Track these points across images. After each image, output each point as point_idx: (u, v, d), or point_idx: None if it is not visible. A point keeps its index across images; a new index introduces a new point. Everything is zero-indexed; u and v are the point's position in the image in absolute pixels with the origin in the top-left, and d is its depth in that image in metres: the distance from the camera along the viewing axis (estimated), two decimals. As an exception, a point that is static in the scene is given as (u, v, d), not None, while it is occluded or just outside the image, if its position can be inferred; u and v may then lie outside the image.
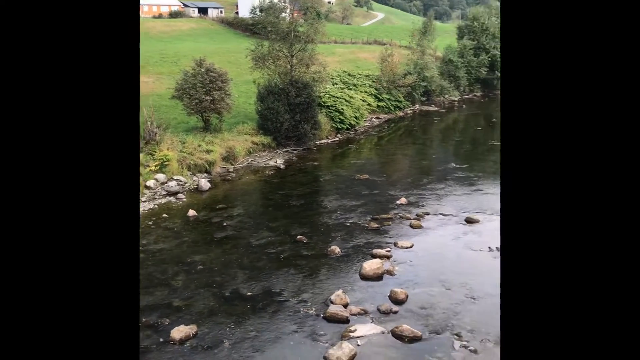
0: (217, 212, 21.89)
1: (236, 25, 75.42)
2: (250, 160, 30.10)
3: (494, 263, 16.87)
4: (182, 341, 12.34)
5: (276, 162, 29.84)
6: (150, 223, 20.48)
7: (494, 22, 56.38)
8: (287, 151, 31.97)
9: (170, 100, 31.03)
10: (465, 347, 12.26)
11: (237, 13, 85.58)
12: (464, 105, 50.53)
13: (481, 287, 15.10)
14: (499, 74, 55.10)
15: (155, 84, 38.19)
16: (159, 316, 13.48)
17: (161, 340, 12.42)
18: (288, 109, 31.84)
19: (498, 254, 17.44)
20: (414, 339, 12.55)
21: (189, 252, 17.85)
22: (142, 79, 39.68)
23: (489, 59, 54.92)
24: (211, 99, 29.02)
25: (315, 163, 30.19)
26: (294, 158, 30.88)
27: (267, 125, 31.74)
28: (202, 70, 29.29)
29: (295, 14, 34.88)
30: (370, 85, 45.13)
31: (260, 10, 35.45)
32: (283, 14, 33.66)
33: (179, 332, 12.53)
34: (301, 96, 32.09)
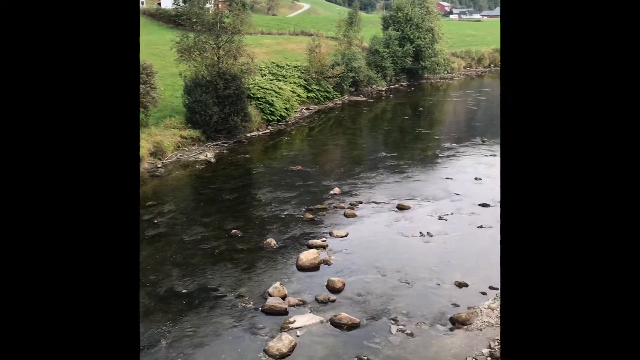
0: (147, 209, 21.25)
1: (159, 16, 73.14)
2: (179, 154, 29.42)
3: (426, 247, 17.41)
4: (116, 344, 11.94)
5: (206, 155, 29.32)
6: (76, 223, 19.61)
7: (417, 13, 57.75)
8: (217, 144, 31.48)
9: (92, 94, 29.74)
10: (402, 330, 12.59)
11: (159, 4, 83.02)
12: (391, 95, 51.58)
13: (415, 272, 15.54)
14: (424, 64, 56.89)
15: (74, 78, 36.45)
16: (90, 320, 12.97)
17: (94, 344, 11.97)
18: (217, 102, 31.32)
19: (429, 238, 18.01)
20: (353, 326, 12.75)
21: (119, 251, 17.24)
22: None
23: (414, 48, 56.25)
24: (136, 92, 28.06)
25: (247, 156, 29.92)
26: (225, 151, 30.46)
27: (196, 118, 31.10)
28: (126, 63, 28.25)
29: (220, 5, 34.32)
30: (299, 77, 45.14)
31: (184, 1, 34.60)
32: (207, 5, 33.02)
33: (112, 334, 12.11)
34: (230, 88, 31.64)
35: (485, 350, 11.79)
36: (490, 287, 14.58)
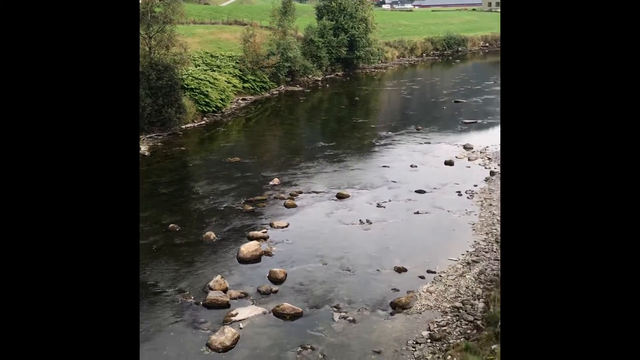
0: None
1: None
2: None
3: (366, 235, 17.69)
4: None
5: (140, 149, 28.49)
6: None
7: (351, 2, 58.11)
8: (151, 137, 30.64)
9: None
10: (344, 317, 12.77)
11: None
12: (327, 85, 51.83)
13: (355, 259, 15.77)
14: (358, 53, 57.41)
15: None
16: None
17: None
18: (149, 93, 30.45)
19: (368, 225, 18.31)
20: (295, 316, 12.81)
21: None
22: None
23: (348, 38, 56.64)
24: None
25: (183, 148, 29.31)
26: (159, 144, 29.71)
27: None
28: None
29: (151, -7, 33.21)
30: (234, 67, 44.53)
31: (112, -11, 33.27)
32: (137, -7, 31.87)
33: (46, 337, 11.63)
34: (162, 79, 30.83)
35: (425, 333, 12.14)
36: (429, 271, 15.00)
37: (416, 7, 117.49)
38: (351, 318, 12.75)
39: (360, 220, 18.70)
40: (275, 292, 13.97)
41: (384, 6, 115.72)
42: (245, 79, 44.33)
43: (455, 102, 41.17)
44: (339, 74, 57.77)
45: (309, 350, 11.54)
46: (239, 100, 42.00)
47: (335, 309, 13.16)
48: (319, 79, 53.80)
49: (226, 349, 11.49)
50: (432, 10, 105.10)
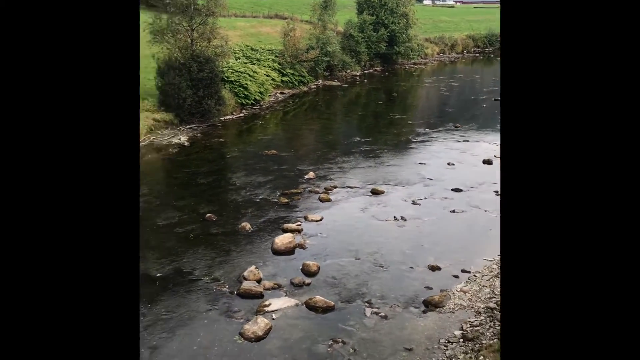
0: (120, 193, 21.01)
1: (130, -4, 71.59)
2: (152, 138, 29.03)
3: (400, 231, 17.63)
4: (90, 328, 11.86)
5: (180, 139, 29.01)
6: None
7: (392, -2, 57.69)
8: (190, 128, 31.14)
9: (62, 76, 29.10)
10: (376, 313, 12.79)
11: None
12: (365, 80, 51.63)
13: (389, 256, 15.75)
14: (398, 49, 56.98)
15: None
16: (63, 304, 12.84)
17: (67, 329, 11.87)
18: (190, 85, 30.93)
19: (403, 222, 18.23)
20: (327, 309, 12.90)
21: (91, 236, 17.04)
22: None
23: (388, 34, 56.26)
24: (107, 74, 27.55)
25: (221, 139, 29.69)
26: (199, 135, 30.17)
27: (169, 101, 30.69)
28: (96, 43, 27.68)
29: (194, -14, 33.67)
30: (273, 60, 44.81)
31: (157, -18, 33.85)
32: (181, -14, 32.38)
33: (86, 319, 12.02)
34: (204, 71, 31.25)
35: (458, 332, 12.06)
36: (463, 271, 14.88)
37: (458, 4, 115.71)
38: (383, 314, 12.76)
39: (394, 217, 18.64)
40: (308, 284, 14.08)
41: (425, 2, 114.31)
42: (284, 72, 44.56)
43: (495, 100, 40.47)
44: (378, 69, 57.47)
45: (340, 344, 11.62)
46: (277, 94, 42.27)
47: (367, 304, 13.19)
48: (357, 74, 53.65)
49: (258, 338, 11.66)
50: (475, 7, 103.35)
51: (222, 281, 14.21)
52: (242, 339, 11.69)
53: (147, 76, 34.37)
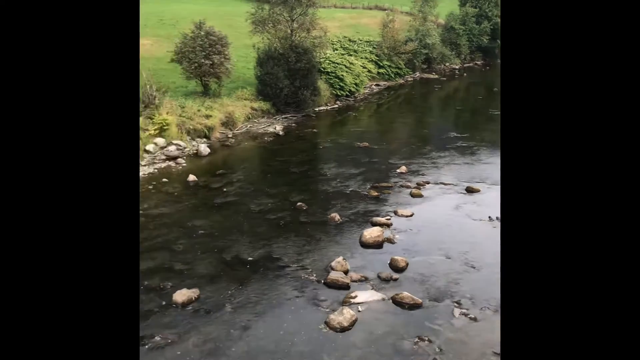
0: (217, 177, 21.83)
1: (234, -13, 73.91)
2: (249, 126, 29.89)
3: (494, 232, 16.95)
4: (184, 304, 12.42)
5: (275, 128, 29.63)
6: (150, 187, 20.42)
7: (497, -11, 55.46)
8: (286, 117, 31.73)
9: (169, 63, 30.60)
10: (465, 314, 12.40)
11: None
12: (465, 74, 50.10)
13: (481, 256, 15.20)
14: (500, 43, 54.62)
15: (153, 46, 37.60)
16: (161, 279, 13.54)
17: (163, 303, 12.51)
18: (288, 75, 31.47)
19: (498, 223, 17.51)
20: (414, 306, 12.67)
21: (189, 216, 17.85)
22: (141, 41, 39.09)
23: (491, 27, 54.18)
24: (210, 63, 28.63)
25: (315, 130, 30.01)
26: (293, 125, 30.68)
27: (267, 90, 31.42)
28: (202, 33, 28.82)
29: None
30: (370, 52, 44.59)
31: (260, -27, 34.69)
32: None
33: (181, 295, 12.61)
34: (301, 62, 31.68)
35: (552, 342, 11.42)
36: (560, 278, 14.05)
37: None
38: (472, 316, 12.34)
39: (489, 217, 17.96)
40: (396, 280, 13.91)
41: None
42: (381, 64, 44.21)
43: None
44: (478, 63, 55.58)
45: (426, 342, 11.37)
46: (372, 86, 42.04)
47: (456, 304, 12.82)
48: (457, 67, 52.19)
49: (343, 329, 11.68)
50: None
51: (310, 269, 14.36)
52: (328, 328, 11.76)
53: (247, 65, 35.43)
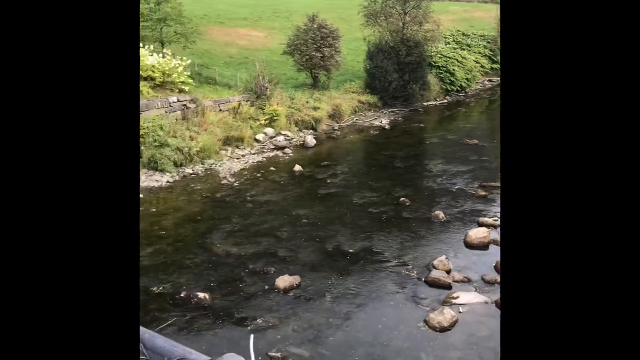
0: (322, 168, 22.17)
1: (347, -20, 74.29)
2: (355, 119, 30.03)
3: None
4: (286, 290, 12.77)
5: (381, 122, 29.53)
6: (259, 175, 21.17)
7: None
8: (392, 111, 31.50)
9: (281, 55, 31.43)
10: (575, 326, 11.67)
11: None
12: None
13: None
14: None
15: (267, 38, 38.82)
16: (264, 264, 14.02)
17: (266, 287, 12.94)
18: (397, 68, 31.19)
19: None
20: (519, 313, 12.12)
21: (294, 205, 18.29)
22: (255, 33, 40.53)
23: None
24: (321, 55, 29.06)
25: (422, 125, 29.53)
26: (400, 119, 30.38)
27: (375, 84, 31.34)
28: (314, 26, 29.30)
29: (411, -30, 33.66)
30: (484, 46, 43.04)
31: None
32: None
33: (283, 281, 12.97)
34: (412, 55, 31.26)
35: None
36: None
37: None
38: (583, 329, 11.59)
39: (607, 225, 16.74)
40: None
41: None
42: (495, 59, 42.56)
43: None
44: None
45: (530, 351, 10.86)
46: (485, 81, 40.61)
47: (565, 315, 12.10)
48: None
49: (443, 329, 11.44)
50: None
51: (411, 266, 14.20)
52: (427, 326, 11.57)
53: (357, 58, 35.54)
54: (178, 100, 23.39)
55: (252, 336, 7.89)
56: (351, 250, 15.00)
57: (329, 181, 20.68)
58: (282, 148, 24.57)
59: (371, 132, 27.97)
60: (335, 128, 28.38)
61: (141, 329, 2.07)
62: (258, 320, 11.65)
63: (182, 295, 12.48)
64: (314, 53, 28.84)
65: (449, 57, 36.80)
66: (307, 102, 28.23)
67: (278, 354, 10.51)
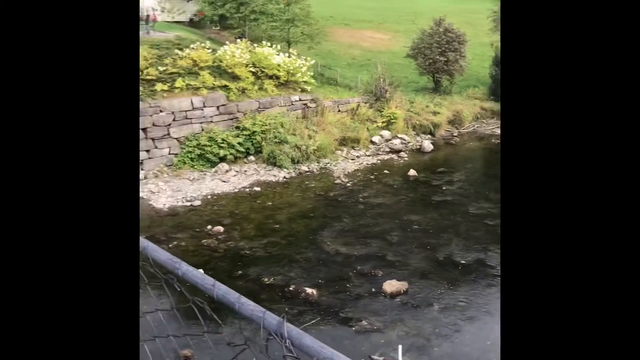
0: (438, 175, 21.70)
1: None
2: (476, 126, 29.07)
3: None
4: (392, 295, 12.65)
5: (504, 131, 28.36)
6: (372, 177, 21.17)
7: None
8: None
9: (404, 58, 31.21)
10: None
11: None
12: None
13: None
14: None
15: (391, 41, 38.75)
16: (372, 267, 13.99)
17: (373, 290, 12.91)
18: (525, 76, 29.78)
19: None
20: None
21: (406, 210, 18.07)
22: (379, 35, 40.62)
23: None
24: (445, 60, 28.48)
25: (548, 137, 27.94)
26: (525, 129, 28.97)
27: (499, 91, 30.16)
28: (440, 30, 28.78)
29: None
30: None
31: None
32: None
33: (390, 285, 12.86)
34: (542, 63, 29.69)
35: None
36: None
37: None
38: None
39: None
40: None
41: None
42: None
43: None
44: None
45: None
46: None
47: None
48: None
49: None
50: None
51: (527, 284, 13.45)
52: (540, 350, 10.92)
53: (482, 64, 34.40)
54: (300, 99, 24.07)
55: (400, 347, 7.78)
56: (463, 262, 14.53)
57: (444, 188, 20.20)
58: (397, 151, 24.38)
59: (492, 140, 26.91)
60: (455, 134, 27.66)
61: (289, 326, 2.21)
62: (363, 322, 11.65)
63: (290, 288, 12.79)
64: (437, 57, 28.33)
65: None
66: (427, 106, 27.78)
67: (381, 358, 10.44)
